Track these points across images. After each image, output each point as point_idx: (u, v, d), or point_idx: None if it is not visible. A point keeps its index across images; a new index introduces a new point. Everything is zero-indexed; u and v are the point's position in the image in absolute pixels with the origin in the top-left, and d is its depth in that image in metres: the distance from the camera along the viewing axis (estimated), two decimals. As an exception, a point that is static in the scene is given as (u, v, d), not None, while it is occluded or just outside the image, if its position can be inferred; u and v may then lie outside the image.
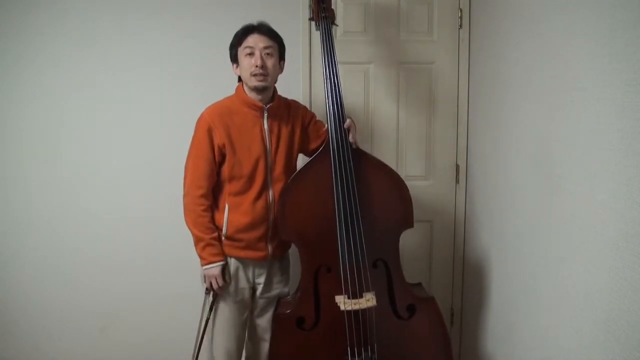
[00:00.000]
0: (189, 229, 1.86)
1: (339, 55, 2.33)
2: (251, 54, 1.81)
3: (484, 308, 2.19)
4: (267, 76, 1.81)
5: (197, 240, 1.85)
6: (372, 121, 2.44)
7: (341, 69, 2.36)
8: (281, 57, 1.90)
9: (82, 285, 2.43)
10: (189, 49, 2.34)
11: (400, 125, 2.45)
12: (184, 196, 1.87)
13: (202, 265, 1.86)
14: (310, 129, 2.01)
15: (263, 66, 1.80)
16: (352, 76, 2.40)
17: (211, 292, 1.88)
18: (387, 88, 2.43)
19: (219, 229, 1.89)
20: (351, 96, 2.40)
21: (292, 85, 2.33)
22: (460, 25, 2.39)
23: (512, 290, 1.90)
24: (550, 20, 1.57)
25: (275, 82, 1.90)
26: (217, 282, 1.85)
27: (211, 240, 1.84)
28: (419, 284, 2.09)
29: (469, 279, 2.44)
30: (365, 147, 2.42)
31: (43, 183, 2.38)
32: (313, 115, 2.06)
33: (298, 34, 2.34)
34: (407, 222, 1.90)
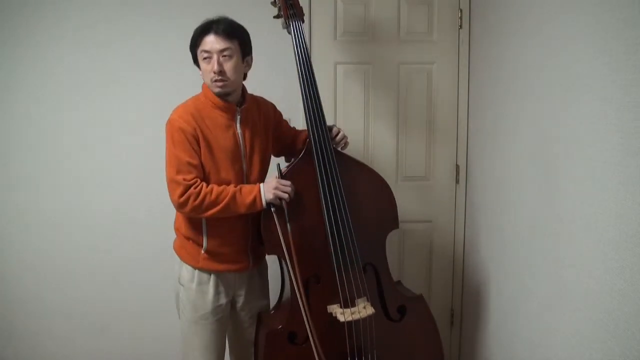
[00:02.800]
0: (219, 209, 1.65)
1: (338, 56, 2.36)
2: (208, 58, 1.67)
3: (483, 308, 2.19)
4: (228, 81, 1.68)
5: (231, 201, 1.66)
6: (371, 122, 2.44)
7: (341, 69, 2.39)
8: (246, 53, 1.74)
9: (82, 285, 2.43)
10: (188, 49, 2.33)
11: (400, 126, 2.45)
12: (179, 196, 1.65)
13: (260, 201, 1.68)
14: (280, 130, 1.93)
15: (221, 72, 1.65)
16: (352, 76, 2.40)
17: (281, 202, 1.69)
18: (387, 88, 2.42)
19: (198, 244, 1.76)
20: (351, 96, 2.40)
21: (291, 85, 2.33)
22: (460, 26, 2.39)
23: (512, 289, 1.90)
24: (550, 20, 1.57)
25: (242, 80, 1.79)
26: (281, 186, 1.68)
27: (235, 187, 1.68)
28: (399, 282, 2.06)
29: (468, 279, 2.44)
30: (364, 147, 2.44)
31: (43, 183, 2.37)
32: (281, 114, 1.97)
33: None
34: (393, 222, 1.89)
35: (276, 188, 1.68)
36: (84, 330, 2.45)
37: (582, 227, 1.37)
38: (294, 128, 2.02)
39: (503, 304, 2.01)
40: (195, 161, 1.68)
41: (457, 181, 2.48)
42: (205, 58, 1.68)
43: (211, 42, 1.67)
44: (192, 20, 2.32)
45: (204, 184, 1.68)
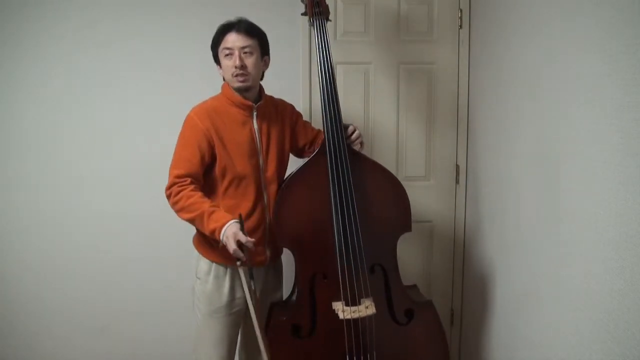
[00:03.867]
0: (186, 218, 1.69)
1: (338, 56, 2.36)
2: (230, 55, 1.75)
3: (484, 308, 2.19)
4: (248, 76, 1.76)
5: (199, 218, 1.66)
6: (371, 121, 2.44)
7: (341, 69, 2.39)
8: (264, 52, 1.83)
9: (82, 285, 2.43)
10: (188, 49, 2.34)
11: (400, 126, 2.45)
12: (166, 189, 1.72)
13: (218, 235, 1.63)
14: (297, 129, 1.96)
15: (242, 66, 1.73)
16: (352, 76, 2.40)
17: (241, 262, 1.63)
18: (387, 88, 2.42)
19: (215, 238, 1.75)
20: (351, 96, 2.39)
21: (292, 85, 2.33)
22: (460, 26, 2.39)
23: (512, 289, 1.91)
24: (550, 20, 1.57)
25: (260, 80, 1.86)
26: (241, 238, 1.60)
27: (210, 208, 1.66)
28: (414, 286, 2.07)
29: (469, 279, 2.44)
30: (364, 147, 2.43)
31: (43, 183, 2.37)
32: (300, 115, 2.02)
33: (297, 32, 2.33)
34: (406, 226, 1.88)
35: (235, 240, 1.60)
36: (84, 330, 2.45)
37: (582, 227, 1.37)
38: (317, 130, 2.03)
39: (503, 304, 2.01)
40: (195, 159, 1.74)
41: (457, 181, 2.48)
42: (226, 55, 1.76)
43: (233, 40, 1.75)
44: (192, 20, 2.34)
45: (192, 187, 1.70)
